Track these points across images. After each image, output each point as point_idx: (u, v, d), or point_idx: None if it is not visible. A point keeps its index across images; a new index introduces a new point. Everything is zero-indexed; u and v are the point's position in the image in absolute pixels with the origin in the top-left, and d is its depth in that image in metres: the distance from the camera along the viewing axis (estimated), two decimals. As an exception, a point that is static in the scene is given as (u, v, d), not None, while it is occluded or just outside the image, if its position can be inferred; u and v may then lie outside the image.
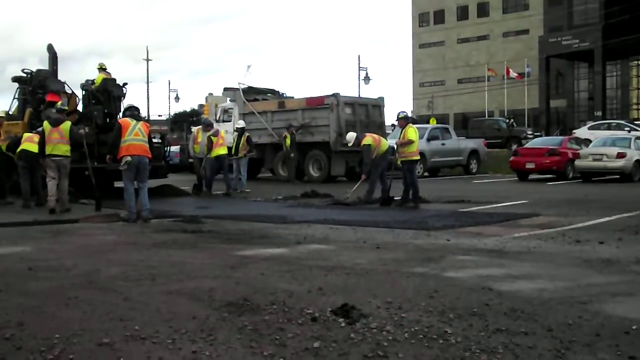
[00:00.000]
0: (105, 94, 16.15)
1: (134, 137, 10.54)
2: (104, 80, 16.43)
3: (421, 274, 5.96)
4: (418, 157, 13.24)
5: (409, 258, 6.89)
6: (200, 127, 18.01)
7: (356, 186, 14.05)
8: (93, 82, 16.49)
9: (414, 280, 5.66)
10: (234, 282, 5.58)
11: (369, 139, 13.74)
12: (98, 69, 16.91)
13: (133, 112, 11.01)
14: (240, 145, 17.68)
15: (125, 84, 16.62)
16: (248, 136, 18.14)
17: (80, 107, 16.46)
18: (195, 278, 5.81)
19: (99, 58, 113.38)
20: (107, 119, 16.14)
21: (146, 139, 10.71)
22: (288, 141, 20.32)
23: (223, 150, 16.57)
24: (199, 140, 17.31)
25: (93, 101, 16.16)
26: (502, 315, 4.50)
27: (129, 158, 10.41)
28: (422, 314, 4.53)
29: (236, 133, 18.77)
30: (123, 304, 4.87)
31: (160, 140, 17.66)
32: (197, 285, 5.45)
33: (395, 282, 5.58)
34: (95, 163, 13.95)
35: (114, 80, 16.62)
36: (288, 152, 20.48)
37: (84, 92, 16.48)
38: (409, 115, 13.64)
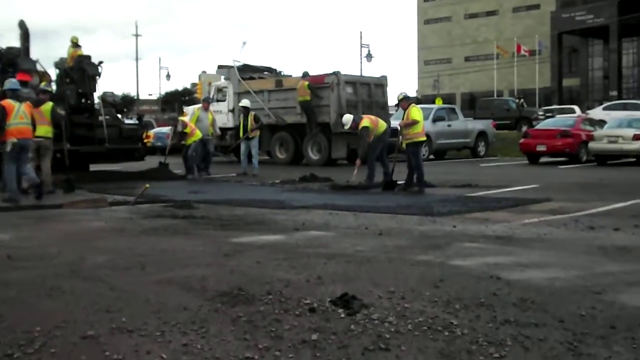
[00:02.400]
0: (80, 72, 15.92)
1: (19, 120, 11.12)
2: (79, 57, 16.20)
3: (426, 262, 5.95)
4: (424, 139, 13.15)
5: (413, 245, 6.88)
6: (199, 105, 17.94)
7: (355, 172, 14.01)
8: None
9: (418, 269, 5.66)
10: (228, 271, 5.58)
11: (366, 120, 13.76)
12: (71, 44, 16.64)
13: (15, 92, 11.34)
14: (249, 125, 17.59)
15: (100, 62, 16.37)
16: (255, 114, 18.00)
17: (54, 87, 16.26)
18: (187, 267, 5.80)
19: (82, 34, 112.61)
20: (81, 100, 16.00)
21: (30, 121, 11.33)
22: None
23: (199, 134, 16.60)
24: (195, 119, 17.16)
25: (67, 80, 16.01)
26: (511, 306, 4.48)
27: (15, 140, 10.98)
28: (426, 305, 4.52)
29: (233, 114, 18.66)
30: (109, 294, 4.85)
31: (136, 122, 17.64)
32: (188, 274, 5.44)
33: (398, 271, 5.57)
34: (69, 145, 13.91)
35: (89, 57, 16.41)
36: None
37: (57, 70, 16.33)
38: (409, 95, 13.53)
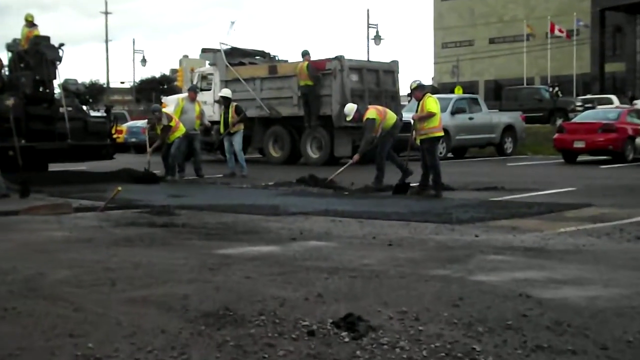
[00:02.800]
0: (37, 56, 15.79)
1: None
2: (35, 38, 16.10)
3: (443, 278, 5.94)
4: (441, 134, 13.15)
5: (428, 258, 6.88)
6: (183, 95, 17.93)
7: (342, 168, 14.07)
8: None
9: (434, 285, 5.65)
10: (213, 288, 5.58)
11: (372, 112, 13.75)
12: (25, 23, 16.55)
13: None
14: (230, 118, 17.58)
15: (61, 44, 16.31)
16: (236, 105, 17.98)
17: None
18: (166, 283, 5.80)
19: (38, 12, 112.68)
20: (39, 88, 15.92)
21: None
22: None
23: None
24: (180, 111, 17.19)
25: (21, 65, 15.93)
26: (543, 330, 4.47)
27: None
28: (444, 327, 4.51)
29: (217, 104, 18.66)
30: (74, 315, 4.84)
31: (104, 115, 17.56)
32: (167, 292, 5.44)
33: (411, 288, 5.57)
34: (23, 141, 13.91)
35: (48, 39, 16.33)
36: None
37: (10, 54, 16.27)
38: (424, 83, 13.46)
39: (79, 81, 18.07)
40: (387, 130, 13.68)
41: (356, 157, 14.24)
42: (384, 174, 13.65)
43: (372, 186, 13.49)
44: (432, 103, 12.69)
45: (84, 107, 17.35)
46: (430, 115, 12.62)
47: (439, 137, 13.11)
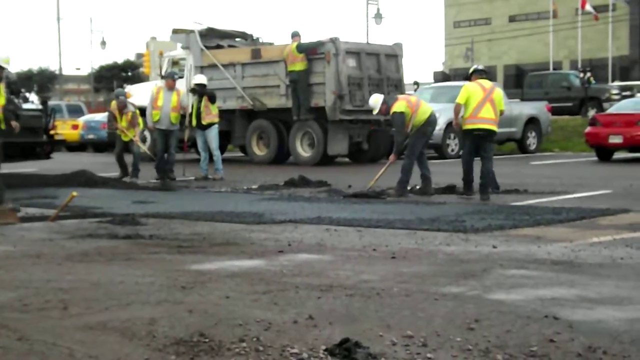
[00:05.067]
0: None
1: None
2: None
3: (455, 296, 5.95)
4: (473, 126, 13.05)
5: (438, 273, 6.88)
6: (159, 83, 17.90)
7: (382, 171, 13.95)
8: None
9: (445, 305, 5.65)
10: (186, 310, 5.56)
11: (401, 103, 13.43)
12: None
13: None
14: (202, 109, 17.55)
15: None
16: (210, 92, 17.92)
17: None
18: (129, 305, 5.78)
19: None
20: None
21: None
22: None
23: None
24: (160, 102, 17.20)
25: None
26: (575, 357, 4.47)
27: None
28: (456, 355, 4.51)
29: (191, 94, 18.62)
30: (17, 346, 4.81)
31: (40, 108, 17.56)
32: (130, 316, 5.42)
33: (417, 308, 5.57)
34: None
35: None
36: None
37: None
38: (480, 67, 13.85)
39: (10, 70, 18.07)
40: (419, 127, 13.45)
41: (392, 157, 13.83)
42: (409, 178, 13.43)
43: (395, 193, 13.32)
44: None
45: (15, 100, 17.30)
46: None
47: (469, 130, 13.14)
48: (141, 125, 17.54)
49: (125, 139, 17.47)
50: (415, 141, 13.48)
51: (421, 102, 13.96)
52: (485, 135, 12.93)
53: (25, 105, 20.19)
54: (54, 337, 4.98)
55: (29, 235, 9.54)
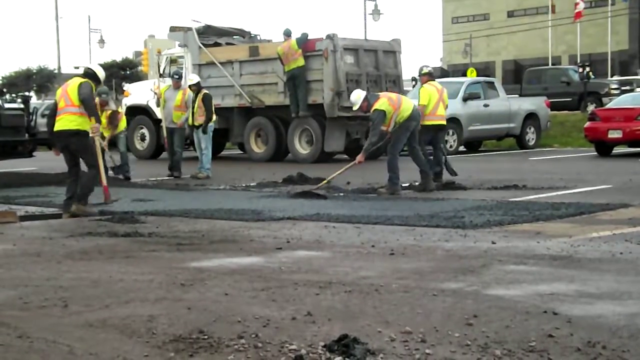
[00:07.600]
0: None
1: None
2: None
3: (454, 292, 5.96)
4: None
5: (437, 269, 6.90)
6: (158, 82, 17.86)
7: (342, 170, 13.85)
8: None
9: (443, 301, 5.67)
10: (185, 307, 5.58)
11: (383, 101, 13.15)
12: None
13: None
14: (196, 108, 17.54)
15: None
16: (205, 93, 17.90)
17: None
18: (128, 303, 5.79)
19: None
20: None
21: None
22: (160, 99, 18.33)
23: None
24: (164, 101, 17.27)
25: None
26: (574, 352, 4.48)
27: None
28: (455, 350, 4.52)
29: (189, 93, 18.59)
30: (18, 344, 4.82)
31: (21, 106, 17.62)
32: (130, 314, 5.44)
33: (416, 304, 5.59)
34: None
35: None
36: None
37: None
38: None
39: None
40: (402, 123, 13.28)
41: (360, 157, 13.49)
42: (397, 174, 13.28)
43: (387, 191, 13.28)
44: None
45: None
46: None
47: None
48: (121, 127, 17.41)
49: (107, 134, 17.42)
50: (399, 137, 13.36)
51: (403, 98, 13.82)
52: (441, 128, 15.00)
53: (7, 105, 20.25)
54: (54, 334, 4.99)
55: (28, 234, 9.56)
